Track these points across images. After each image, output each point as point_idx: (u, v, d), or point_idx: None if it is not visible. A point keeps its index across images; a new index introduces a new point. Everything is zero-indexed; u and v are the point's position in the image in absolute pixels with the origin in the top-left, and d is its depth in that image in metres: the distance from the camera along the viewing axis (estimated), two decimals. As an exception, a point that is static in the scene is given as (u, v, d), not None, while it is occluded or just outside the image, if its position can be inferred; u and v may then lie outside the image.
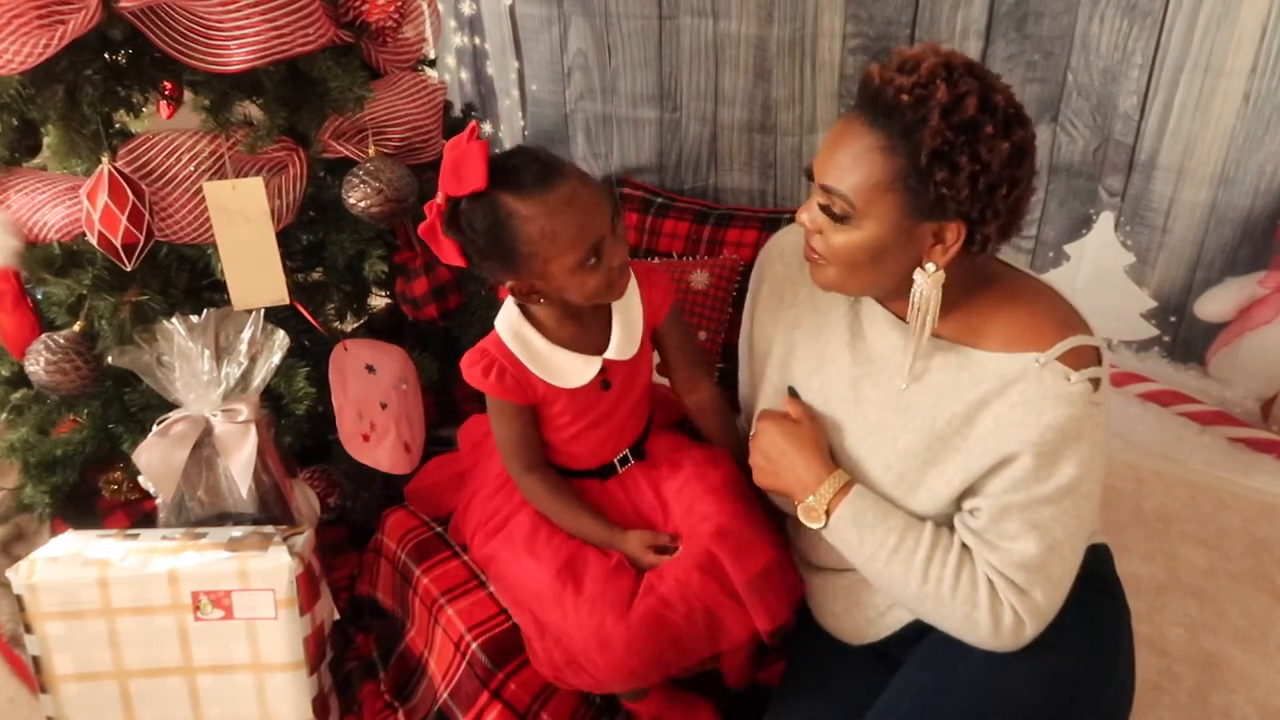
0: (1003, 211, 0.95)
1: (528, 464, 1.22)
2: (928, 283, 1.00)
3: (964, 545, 1.04)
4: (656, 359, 1.30)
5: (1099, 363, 1.01)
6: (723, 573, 1.13)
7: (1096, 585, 1.10)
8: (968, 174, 0.91)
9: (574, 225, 1.03)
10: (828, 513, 1.07)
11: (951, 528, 1.06)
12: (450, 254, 1.07)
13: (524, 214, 1.02)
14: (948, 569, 1.02)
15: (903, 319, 1.09)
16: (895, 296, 1.06)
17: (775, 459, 1.13)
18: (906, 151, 0.93)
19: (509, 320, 1.17)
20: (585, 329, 1.17)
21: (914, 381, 1.08)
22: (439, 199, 1.04)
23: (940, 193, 0.93)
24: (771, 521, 1.22)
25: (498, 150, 1.06)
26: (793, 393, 1.18)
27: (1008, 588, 1.00)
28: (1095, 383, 1.00)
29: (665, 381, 1.33)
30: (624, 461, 1.26)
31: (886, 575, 1.05)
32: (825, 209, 1.00)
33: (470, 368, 1.16)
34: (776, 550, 1.18)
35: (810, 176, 1.04)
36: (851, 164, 0.96)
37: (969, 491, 1.05)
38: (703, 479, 1.20)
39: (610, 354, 1.17)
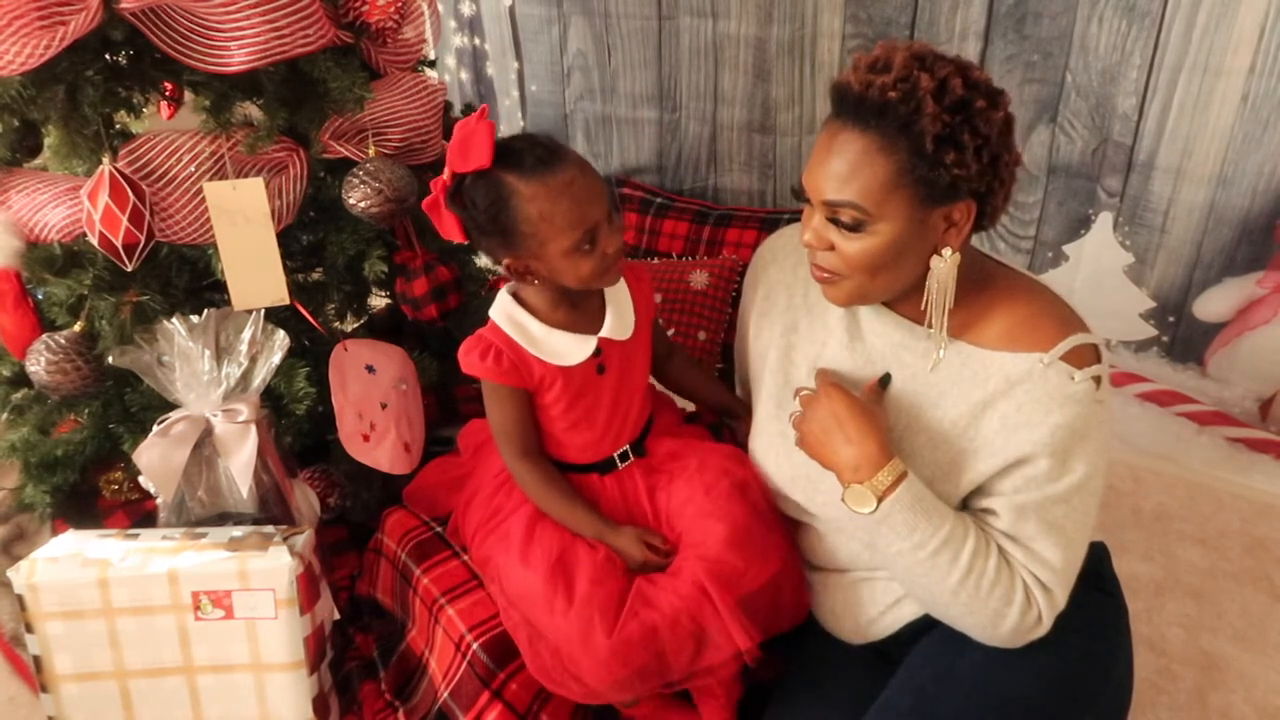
0: (1006, 180, 0.98)
1: (522, 450, 1.23)
2: (944, 267, 1.00)
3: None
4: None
5: (1099, 360, 1.02)
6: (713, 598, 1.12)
7: (1094, 584, 1.10)
8: (973, 150, 0.93)
9: (572, 209, 1.06)
10: (880, 498, 1.01)
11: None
12: (451, 229, 1.10)
13: (525, 194, 1.05)
14: (990, 563, 1.00)
15: (905, 317, 1.09)
16: (903, 295, 1.06)
17: (831, 431, 1.05)
18: (907, 145, 0.94)
19: (503, 307, 1.19)
20: (578, 312, 1.19)
21: (931, 371, 1.07)
22: (445, 175, 1.07)
23: (953, 174, 0.94)
24: (776, 533, 1.21)
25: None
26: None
27: (1036, 586, 1.01)
28: (1097, 380, 1.00)
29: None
30: (624, 457, 1.26)
31: (926, 565, 1.01)
32: (834, 221, 1.00)
33: (467, 354, 1.18)
34: (769, 574, 1.16)
35: (799, 197, 1.04)
36: (852, 171, 0.96)
37: (979, 492, 1.06)
38: (709, 494, 1.18)
39: (605, 332, 1.19)
